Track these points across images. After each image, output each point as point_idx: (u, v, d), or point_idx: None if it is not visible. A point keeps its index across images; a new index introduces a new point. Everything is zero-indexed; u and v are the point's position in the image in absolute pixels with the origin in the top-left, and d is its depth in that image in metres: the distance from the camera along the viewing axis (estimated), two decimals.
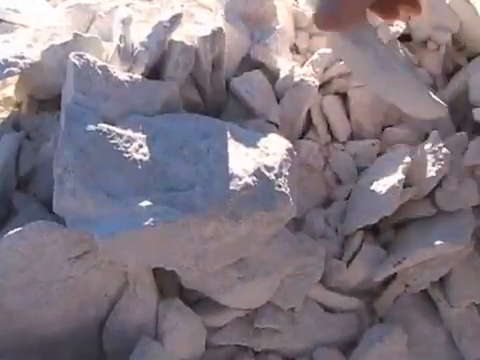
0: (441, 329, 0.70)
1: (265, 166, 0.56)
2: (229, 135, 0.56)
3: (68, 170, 0.52)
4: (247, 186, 0.54)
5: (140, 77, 0.58)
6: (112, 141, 0.53)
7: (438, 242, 0.63)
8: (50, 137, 0.59)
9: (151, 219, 0.51)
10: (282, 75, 0.66)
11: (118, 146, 0.53)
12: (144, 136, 0.54)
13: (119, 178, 0.52)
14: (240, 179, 0.54)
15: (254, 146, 0.57)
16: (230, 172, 0.54)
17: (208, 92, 0.64)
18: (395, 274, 0.68)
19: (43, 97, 0.63)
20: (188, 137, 0.55)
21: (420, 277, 0.67)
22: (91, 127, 0.53)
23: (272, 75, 0.66)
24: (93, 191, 0.51)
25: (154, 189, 0.52)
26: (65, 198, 0.52)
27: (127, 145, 0.53)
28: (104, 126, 0.53)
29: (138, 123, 0.55)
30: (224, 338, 0.65)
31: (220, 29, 0.61)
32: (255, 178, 0.54)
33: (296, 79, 0.65)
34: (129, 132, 0.54)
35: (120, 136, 0.53)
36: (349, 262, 0.67)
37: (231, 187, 0.53)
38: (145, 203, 0.51)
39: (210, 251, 0.56)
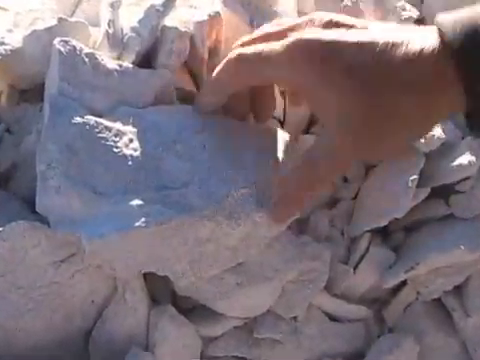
0: (455, 340, 0.70)
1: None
2: (227, 129, 0.56)
3: (52, 166, 0.51)
4: (247, 184, 0.53)
5: (130, 65, 0.58)
6: (100, 135, 0.53)
7: (455, 248, 0.63)
8: (32, 130, 0.59)
9: (142, 219, 0.50)
10: None
11: (107, 140, 0.53)
12: (135, 129, 0.54)
13: (108, 175, 0.52)
14: (238, 173, 0.53)
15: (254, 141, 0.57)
16: (228, 170, 0.53)
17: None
18: (405, 281, 0.68)
19: (25, 87, 0.62)
20: (182, 131, 0.55)
21: (432, 285, 0.67)
22: (77, 120, 0.52)
23: None
24: (79, 189, 0.51)
25: (145, 187, 0.52)
26: (49, 196, 0.51)
27: (116, 139, 0.53)
28: (91, 118, 0.53)
29: (128, 115, 0.55)
30: (220, 349, 0.65)
31: (217, 13, 0.61)
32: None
33: None
34: (118, 125, 0.54)
35: (109, 129, 0.53)
36: (356, 266, 0.67)
37: (229, 186, 0.52)
38: (136, 202, 0.51)
39: (206, 255, 0.55)
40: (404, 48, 0.45)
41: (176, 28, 0.59)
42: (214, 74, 0.55)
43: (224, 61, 0.54)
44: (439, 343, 0.69)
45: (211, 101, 0.56)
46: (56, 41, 0.55)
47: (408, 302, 0.70)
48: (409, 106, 0.45)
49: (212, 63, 0.63)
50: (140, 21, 0.59)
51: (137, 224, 0.50)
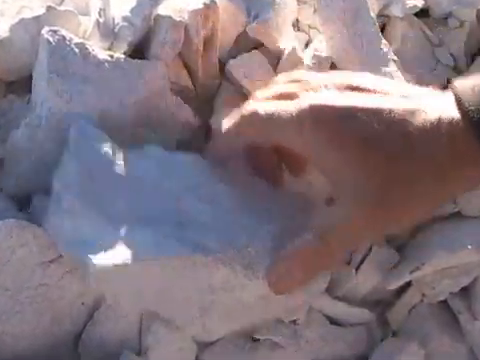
0: (461, 344, 0.70)
1: None
2: (255, 187, 0.56)
3: (68, 187, 0.51)
4: (271, 239, 0.53)
5: (122, 56, 0.58)
6: (124, 167, 0.53)
7: (462, 248, 0.63)
8: (20, 124, 0.59)
9: (153, 251, 0.50)
10: (284, 56, 0.65)
11: (128, 173, 0.53)
12: (161, 168, 0.54)
13: (124, 204, 0.52)
14: (262, 228, 0.53)
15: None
16: (252, 220, 0.53)
17: (199, 74, 0.63)
18: (410, 282, 0.68)
19: (12, 78, 0.62)
20: (209, 177, 0.55)
21: (438, 286, 0.67)
22: (103, 149, 0.53)
23: (273, 56, 0.66)
24: (93, 213, 0.51)
25: (162, 221, 0.52)
26: (60, 217, 0.51)
27: (139, 173, 0.54)
28: (117, 149, 0.54)
29: (157, 154, 0.55)
30: (216, 355, 0.64)
31: (213, 2, 0.60)
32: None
33: (299, 61, 0.64)
34: (143, 162, 0.54)
35: (133, 163, 0.54)
36: (358, 267, 0.67)
37: (251, 236, 0.52)
38: (149, 234, 0.51)
39: (218, 305, 0.55)
40: (422, 117, 0.44)
41: (170, 17, 0.59)
42: (226, 126, 0.54)
43: (238, 114, 0.53)
44: (445, 347, 0.69)
45: (222, 153, 0.56)
46: (44, 31, 0.54)
47: (413, 304, 0.70)
48: (427, 179, 0.44)
49: (207, 54, 0.63)
50: (132, 10, 0.59)
51: (146, 256, 0.50)
